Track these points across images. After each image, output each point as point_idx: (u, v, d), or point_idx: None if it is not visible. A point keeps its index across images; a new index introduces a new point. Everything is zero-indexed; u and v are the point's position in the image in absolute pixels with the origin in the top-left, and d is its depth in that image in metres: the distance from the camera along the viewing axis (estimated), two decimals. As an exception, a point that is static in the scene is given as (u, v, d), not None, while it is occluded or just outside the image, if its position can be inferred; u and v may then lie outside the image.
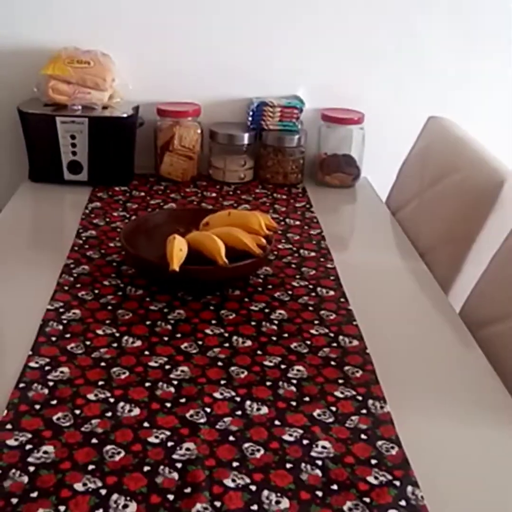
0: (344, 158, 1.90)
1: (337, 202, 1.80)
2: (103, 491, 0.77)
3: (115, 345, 1.05)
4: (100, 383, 0.96)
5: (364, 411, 0.93)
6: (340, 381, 1.00)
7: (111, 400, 0.93)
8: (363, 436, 0.88)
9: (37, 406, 0.91)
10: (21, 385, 0.95)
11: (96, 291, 1.21)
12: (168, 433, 0.87)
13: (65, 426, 0.87)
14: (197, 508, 0.75)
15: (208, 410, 0.92)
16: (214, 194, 1.76)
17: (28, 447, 0.83)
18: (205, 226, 1.32)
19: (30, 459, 0.81)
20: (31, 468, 0.80)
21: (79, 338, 1.07)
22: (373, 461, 0.84)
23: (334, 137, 1.89)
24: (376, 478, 0.81)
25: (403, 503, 0.78)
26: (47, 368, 0.99)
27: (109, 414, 0.90)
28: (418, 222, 1.59)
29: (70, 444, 0.84)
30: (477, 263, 1.35)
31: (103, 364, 1.01)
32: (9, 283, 1.25)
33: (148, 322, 1.12)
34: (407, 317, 1.23)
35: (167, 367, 1.00)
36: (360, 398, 0.96)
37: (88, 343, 1.06)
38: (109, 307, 1.16)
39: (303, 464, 0.83)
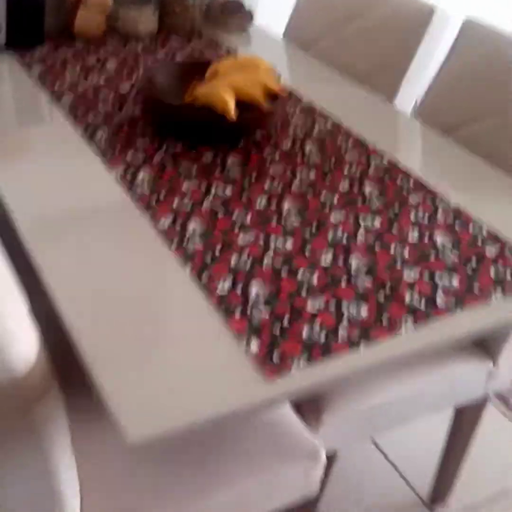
0: (232, 2, 2.00)
1: (238, 45, 1.92)
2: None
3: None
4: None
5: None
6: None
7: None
8: None
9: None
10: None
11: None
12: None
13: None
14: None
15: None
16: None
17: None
18: (213, 75, 1.41)
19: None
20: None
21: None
22: None
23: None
24: None
25: None
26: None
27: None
28: (342, 55, 1.81)
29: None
30: (412, 85, 1.65)
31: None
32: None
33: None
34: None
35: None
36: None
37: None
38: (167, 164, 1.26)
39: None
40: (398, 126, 1.56)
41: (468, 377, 1.37)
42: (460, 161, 1.40)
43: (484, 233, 1.17)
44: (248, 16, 2.01)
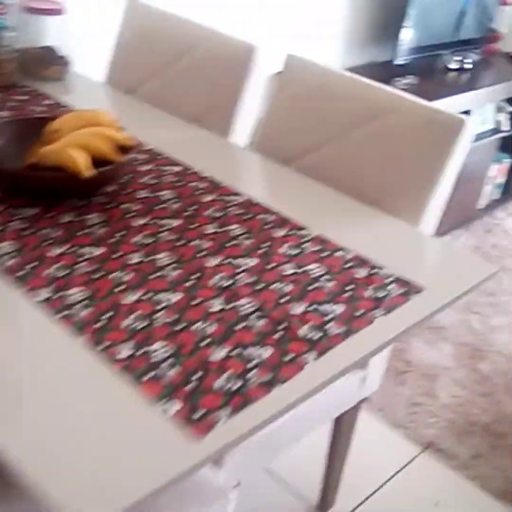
0: (47, 50, 1.95)
1: (60, 94, 1.87)
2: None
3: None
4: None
5: None
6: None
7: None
8: None
9: None
10: None
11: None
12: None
13: None
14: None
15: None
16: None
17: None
18: (54, 132, 1.36)
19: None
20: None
21: None
22: None
23: (37, 28, 1.91)
24: None
25: None
26: None
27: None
28: (168, 97, 1.82)
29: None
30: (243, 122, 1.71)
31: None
32: None
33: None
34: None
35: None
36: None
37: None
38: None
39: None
40: (244, 162, 1.61)
41: (345, 388, 1.45)
42: (309, 191, 1.47)
43: (350, 257, 1.23)
44: (64, 63, 1.96)
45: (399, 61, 2.85)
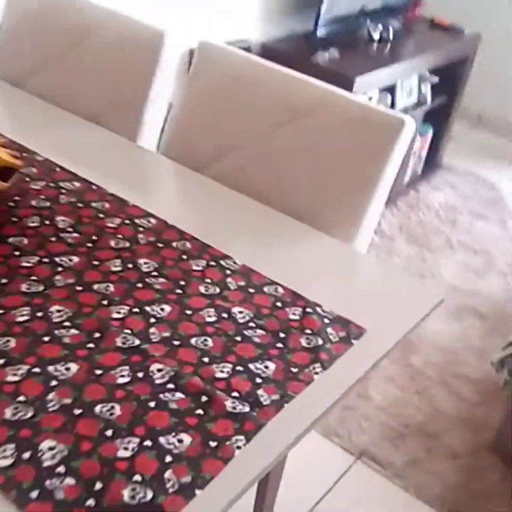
0: None
1: None
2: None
3: None
4: None
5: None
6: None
7: None
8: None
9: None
10: None
11: None
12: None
13: None
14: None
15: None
16: None
17: None
18: None
19: None
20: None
21: None
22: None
23: None
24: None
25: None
26: None
27: None
28: (65, 91, 1.58)
29: None
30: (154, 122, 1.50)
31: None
32: None
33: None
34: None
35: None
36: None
37: None
38: None
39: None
40: (154, 171, 1.41)
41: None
42: (228, 204, 1.29)
43: (281, 292, 1.07)
44: None
45: (321, 32, 2.66)
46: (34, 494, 0.71)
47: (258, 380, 0.89)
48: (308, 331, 1.00)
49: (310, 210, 1.31)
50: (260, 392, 0.88)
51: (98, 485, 0.72)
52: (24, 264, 1.03)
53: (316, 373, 0.93)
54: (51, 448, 0.76)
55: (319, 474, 1.84)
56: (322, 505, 1.75)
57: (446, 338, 2.39)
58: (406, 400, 2.11)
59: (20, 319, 0.93)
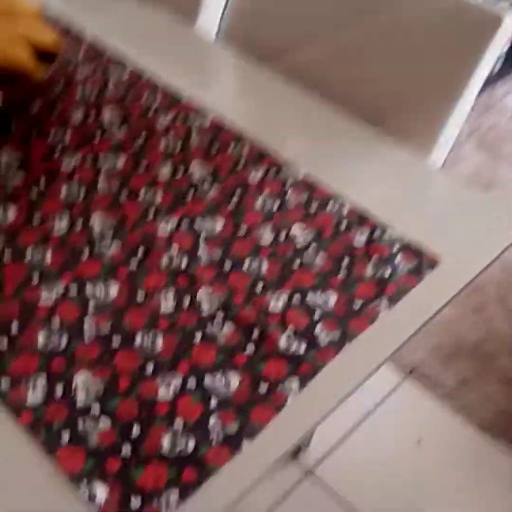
0: None
1: None
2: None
3: None
4: None
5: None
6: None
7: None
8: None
9: None
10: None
11: None
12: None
13: None
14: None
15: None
16: None
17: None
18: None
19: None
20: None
21: None
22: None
23: None
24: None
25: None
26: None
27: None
28: None
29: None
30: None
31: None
32: None
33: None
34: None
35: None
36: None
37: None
38: None
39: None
40: (211, 62, 1.26)
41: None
42: (293, 103, 1.14)
43: (346, 212, 0.95)
44: None
45: None
46: (65, 437, 0.64)
47: (317, 315, 0.80)
48: (374, 258, 0.88)
49: (386, 113, 1.16)
50: (318, 328, 0.78)
51: (136, 431, 0.65)
52: (65, 165, 0.93)
53: (382, 308, 0.82)
54: (85, 384, 0.68)
55: (366, 390, 1.78)
56: (368, 421, 1.70)
57: (510, 254, 2.25)
58: (461, 317, 2.01)
59: (58, 229, 0.84)
